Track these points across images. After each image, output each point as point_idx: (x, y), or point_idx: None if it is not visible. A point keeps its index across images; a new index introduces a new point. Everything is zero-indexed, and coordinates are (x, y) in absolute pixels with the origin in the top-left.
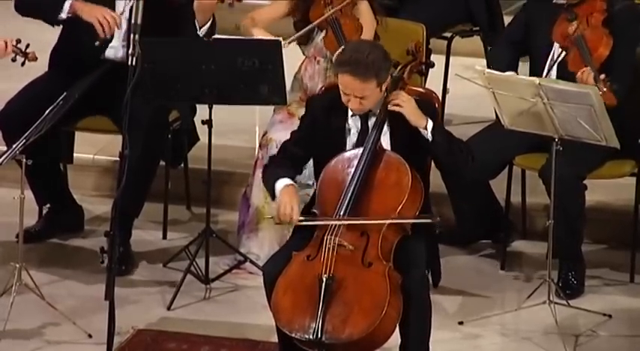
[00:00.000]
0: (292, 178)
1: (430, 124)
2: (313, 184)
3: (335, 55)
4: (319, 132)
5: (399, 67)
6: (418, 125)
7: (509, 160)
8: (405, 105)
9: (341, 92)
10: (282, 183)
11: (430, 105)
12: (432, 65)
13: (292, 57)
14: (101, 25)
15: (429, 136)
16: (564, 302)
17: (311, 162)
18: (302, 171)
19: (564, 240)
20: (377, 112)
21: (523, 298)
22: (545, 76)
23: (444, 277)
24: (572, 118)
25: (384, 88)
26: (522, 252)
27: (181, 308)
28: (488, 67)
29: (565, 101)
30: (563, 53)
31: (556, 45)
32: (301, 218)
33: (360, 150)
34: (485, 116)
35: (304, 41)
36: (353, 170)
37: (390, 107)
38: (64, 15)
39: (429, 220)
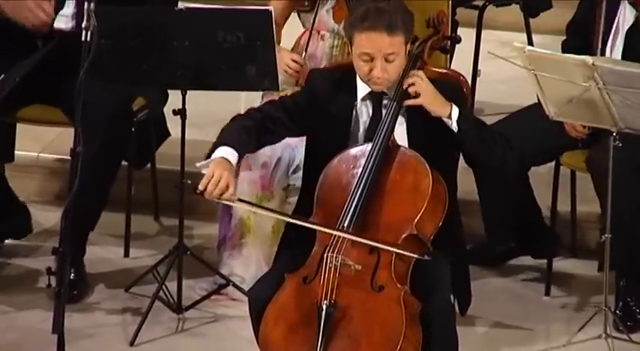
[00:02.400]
0: (243, 151)
1: (455, 111)
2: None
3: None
4: (319, 113)
5: (418, 43)
6: (441, 114)
7: (554, 150)
8: (423, 89)
9: (357, 64)
10: (222, 151)
11: (456, 90)
12: (459, 40)
13: (286, 29)
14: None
15: (455, 127)
16: (625, 336)
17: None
18: (263, 146)
19: (624, 258)
20: (392, 94)
21: (573, 331)
22: (610, 51)
23: (475, 304)
24: (634, 107)
25: (407, 51)
26: (572, 273)
27: (148, 343)
28: None
29: (626, 85)
30: (634, 15)
31: (625, 5)
32: (235, 198)
33: (368, 145)
34: (525, 104)
35: (306, 8)
36: (360, 171)
37: (406, 87)
38: None
39: None
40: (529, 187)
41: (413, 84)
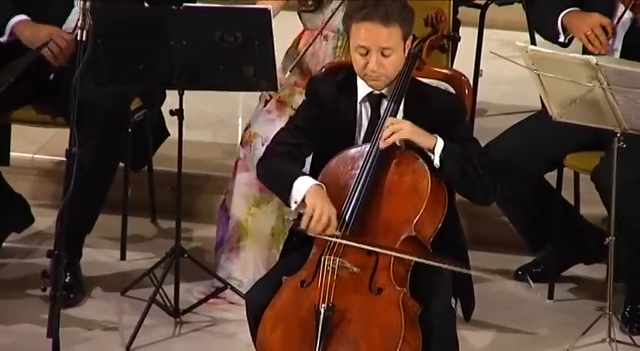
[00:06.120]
0: None
1: (440, 145)
2: None
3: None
4: (326, 119)
5: (416, 42)
6: (425, 146)
7: (558, 158)
8: (403, 127)
9: (354, 58)
10: (307, 182)
11: (453, 103)
12: (458, 39)
13: (284, 29)
14: (52, 52)
15: (437, 162)
16: (629, 341)
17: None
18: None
19: (629, 261)
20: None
21: (577, 335)
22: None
23: (477, 308)
24: (638, 108)
25: (407, 48)
26: (575, 276)
27: (144, 348)
28: (539, 33)
29: (630, 86)
30: (629, 15)
31: (620, 7)
32: (338, 233)
33: (366, 146)
34: (528, 105)
35: (309, 7)
36: (358, 172)
37: (385, 139)
38: (3, 39)
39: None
40: (550, 189)
41: (390, 126)
